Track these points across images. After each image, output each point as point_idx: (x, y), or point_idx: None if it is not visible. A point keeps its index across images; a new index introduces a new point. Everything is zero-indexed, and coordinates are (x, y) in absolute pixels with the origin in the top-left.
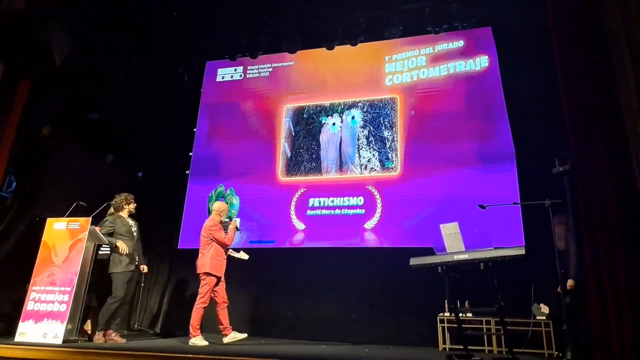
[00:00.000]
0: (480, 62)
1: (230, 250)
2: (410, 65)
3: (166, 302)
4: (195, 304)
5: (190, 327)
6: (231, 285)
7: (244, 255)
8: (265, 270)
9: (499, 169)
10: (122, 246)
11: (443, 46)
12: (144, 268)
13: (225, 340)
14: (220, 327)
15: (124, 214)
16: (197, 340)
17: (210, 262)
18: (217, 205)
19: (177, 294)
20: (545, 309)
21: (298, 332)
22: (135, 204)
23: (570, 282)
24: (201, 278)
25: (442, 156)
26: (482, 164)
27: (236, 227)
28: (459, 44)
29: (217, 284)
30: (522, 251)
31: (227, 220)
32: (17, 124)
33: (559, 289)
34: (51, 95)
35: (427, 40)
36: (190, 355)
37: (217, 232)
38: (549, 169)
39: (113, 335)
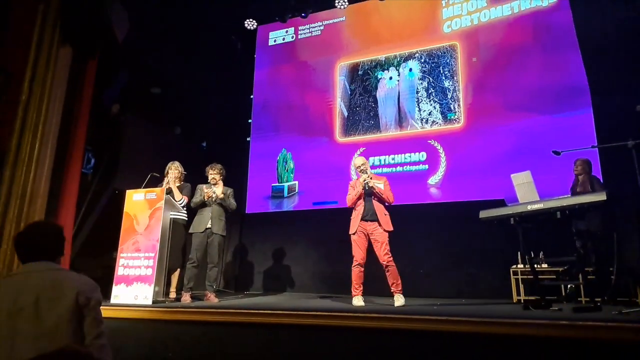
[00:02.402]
0: None
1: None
2: (469, 8)
3: (239, 264)
4: None
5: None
6: (300, 244)
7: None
8: (331, 230)
9: (572, 111)
10: (207, 192)
11: None
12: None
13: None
14: None
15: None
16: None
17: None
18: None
19: (248, 256)
20: None
21: (368, 288)
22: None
23: None
24: None
25: (508, 103)
26: (553, 107)
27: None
28: None
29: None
30: (603, 197)
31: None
32: (90, 104)
33: None
34: (116, 73)
35: None
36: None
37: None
38: (629, 107)
39: (209, 295)
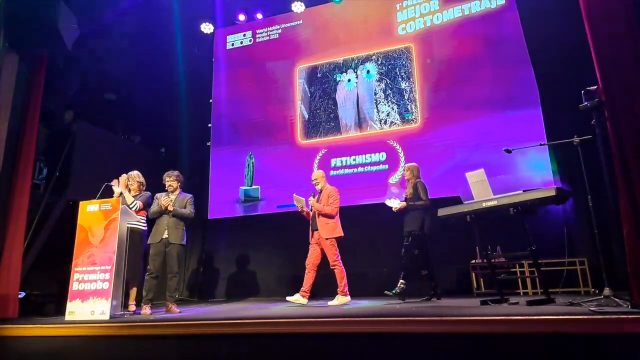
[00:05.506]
0: (497, 0)
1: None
2: (422, 10)
3: (202, 271)
4: None
5: None
6: (264, 248)
7: None
8: (295, 233)
9: (522, 110)
10: (165, 201)
11: None
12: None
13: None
14: None
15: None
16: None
17: None
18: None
19: (211, 262)
20: None
21: (334, 290)
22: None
23: None
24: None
25: (462, 102)
26: (505, 106)
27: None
28: None
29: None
30: (552, 192)
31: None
32: (39, 112)
33: None
34: (67, 80)
35: None
36: (209, 322)
37: None
38: (575, 106)
39: (170, 306)
